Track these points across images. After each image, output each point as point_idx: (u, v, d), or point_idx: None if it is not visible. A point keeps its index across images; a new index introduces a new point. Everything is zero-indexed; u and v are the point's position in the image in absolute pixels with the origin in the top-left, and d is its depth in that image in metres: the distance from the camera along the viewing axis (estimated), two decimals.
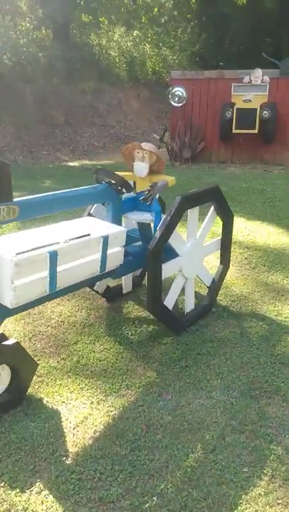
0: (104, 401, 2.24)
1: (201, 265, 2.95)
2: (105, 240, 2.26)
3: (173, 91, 8.83)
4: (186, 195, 2.51)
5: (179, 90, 8.79)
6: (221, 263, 3.17)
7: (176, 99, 8.85)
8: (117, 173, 2.76)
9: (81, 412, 2.16)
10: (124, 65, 12.87)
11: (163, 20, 16.25)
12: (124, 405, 2.21)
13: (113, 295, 3.20)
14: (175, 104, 8.92)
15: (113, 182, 2.44)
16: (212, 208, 2.89)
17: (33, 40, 11.62)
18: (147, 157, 2.64)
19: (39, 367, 2.45)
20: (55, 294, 2.15)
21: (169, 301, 2.71)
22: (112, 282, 3.17)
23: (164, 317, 2.69)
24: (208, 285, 3.09)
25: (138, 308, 3.15)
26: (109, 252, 2.33)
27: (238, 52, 14.56)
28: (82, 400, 2.24)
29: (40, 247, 2.02)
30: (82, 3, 12.33)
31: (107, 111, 11.98)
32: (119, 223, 2.54)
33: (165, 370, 2.48)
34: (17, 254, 1.93)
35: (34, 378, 2.34)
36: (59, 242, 2.12)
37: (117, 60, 12.82)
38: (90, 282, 2.46)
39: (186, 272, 2.77)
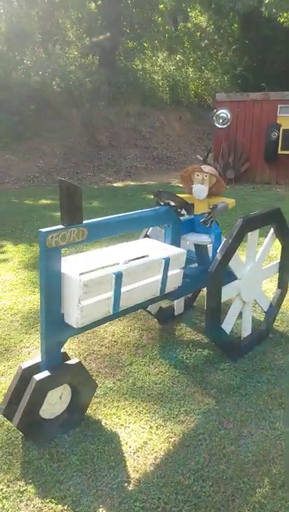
0: (163, 426, 2.19)
1: (260, 289, 2.88)
2: (167, 261, 2.26)
3: (217, 113, 8.88)
4: (247, 218, 2.48)
5: (223, 112, 8.84)
6: (278, 287, 3.09)
7: (221, 121, 8.90)
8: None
9: (140, 437, 2.12)
10: (167, 89, 13.14)
11: (204, 44, 16.52)
12: (184, 432, 2.15)
13: (165, 316, 3.17)
14: (219, 126, 8.97)
15: (173, 204, 2.45)
16: (272, 230, 2.84)
17: (80, 67, 12.11)
18: (207, 179, 2.64)
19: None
20: (117, 314, 2.15)
21: (227, 325, 2.65)
22: (164, 303, 3.15)
23: (221, 341, 2.63)
24: (266, 310, 3.01)
25: (191, 331, 3.10)
26: (169, 273, 2.32)
27: (280, 73, 14.52)
28: (141, 424, 2.20)
29: (105, 268, 2.04)
30: (128, 30, 12.79)
31: (149, 133, 12.20)
32: (177, 245, 2.53)
33: (224, 398, 2.40)
34: (85, 274, 1.95)
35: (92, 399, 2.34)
36: (120, 263, 2.13)
37: (160, 83, 13.11)
38: (150, 303, 2.46)
39: (245, 296, 2.70)
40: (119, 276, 2.03)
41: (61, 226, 1.89)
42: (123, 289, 2.08)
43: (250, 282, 2.72)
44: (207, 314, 2.49)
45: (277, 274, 3.04)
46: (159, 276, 2.27)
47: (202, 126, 13.52)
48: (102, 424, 2.21)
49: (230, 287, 2.58)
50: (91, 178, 10.00)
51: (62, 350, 2.13)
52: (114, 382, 2.53)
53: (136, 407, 2.32)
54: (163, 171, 11.08)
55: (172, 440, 2.10)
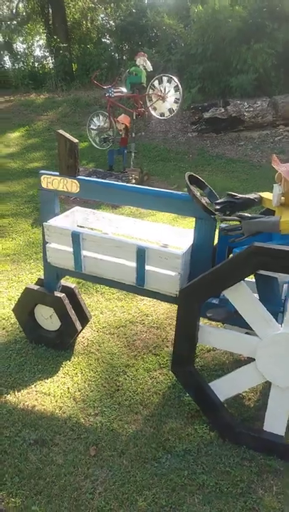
0: None
1: None
2: (140, 250, 1.93)
3: None
4: (262, 248, 1.53)
5: None
6: None
7: None
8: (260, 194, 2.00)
9: None
10: None
11: None
12: None
13: None
14: None
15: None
16: None
17: None
18: (283, 181, 1.74)
19: None
20: (87, 277, 2.22)
21: (220, 389, 1.89)
22: None
23: (192, 389, 1.93)
24: None
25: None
26: (150, 268, 1.97)
27: None
28: None
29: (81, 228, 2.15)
30: None
31: None
32: (206, 248, 1.95)
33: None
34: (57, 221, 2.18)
35: None
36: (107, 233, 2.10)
37: None
38: (132, 290, 2.15)
39: (268, 371, 1.75)
40: (76, 236, 2.06)
41: (57, 173, 2.16)
42: (85, 253, 2.09)
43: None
44: (174, 346, 1.90)
45: None
46: (132, 264, 1.99)
47: None
48: None
49: (238, 337, 1.78)
50: None
51: None
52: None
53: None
54: None
55: None
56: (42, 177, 2.20)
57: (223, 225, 2.03)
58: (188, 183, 1.89)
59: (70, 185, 2.14)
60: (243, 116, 7.67)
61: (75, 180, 2.12)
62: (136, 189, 2.05)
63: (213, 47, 7.95)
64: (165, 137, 8.07)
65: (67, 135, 2.04)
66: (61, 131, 2.05)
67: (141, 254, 1.96)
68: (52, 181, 2.17)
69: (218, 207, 1.90)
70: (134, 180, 5.64)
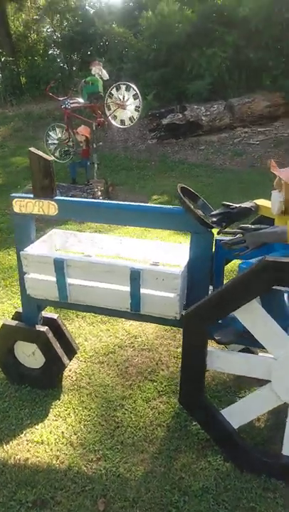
0: None
1: None
2: (134, 273, 1.75)
3: None
4: (277, 263, 1.40)
5: None
6: None
7: None
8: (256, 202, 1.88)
9: None
10: None
11: None
12: None
13: None
14: None
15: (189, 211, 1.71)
16: None
17: None
18: (283, 187, 1.62)
19: None
20: (73, 306, 1.99)
21: (232, 416, 1.73)
22: None
23: (202, 419, 1.77)
24: None
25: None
26: (146, 291, 1.79)
27: None
28: None
29: (66, 253, 1.93)
30: None
31: None
32: (205, 264, 1.80)
33: None
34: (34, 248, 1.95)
35: None
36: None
37: None
38: (126, 316, 1.98)
39: (286, 392, 1.61)
40: (59, 263, 1.84)
41: (31, 195, 1.94)
42: (70, 281, 1.88)
43: None
44: (180, 375, 1.73)
45: None
46: (125, 288, 1.81)
47: None
48: None
49: (250, 360, 1.63)
50: None
51: None
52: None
53: None
54: None
55: None
56: (14, 201, 1.97)
57: (219, 237, 1.89)
58: (181, 195, 1.73)
59: (47, 208, 1.92)
60: (200, 120, 7.68)
61: (53, 202, 1.91)
62: (122, 206, 1.87)
63: (165, 52, 7.93)
64: (125, 146, 7.93)
65: (40, 153, 1.83)
66: (33, 149, 1.84)
67: (135, 277, 1.77)
68: (26, 205, 1.94)
69: (214, 219, 1.75)
70: (99, 192, 5.45)
